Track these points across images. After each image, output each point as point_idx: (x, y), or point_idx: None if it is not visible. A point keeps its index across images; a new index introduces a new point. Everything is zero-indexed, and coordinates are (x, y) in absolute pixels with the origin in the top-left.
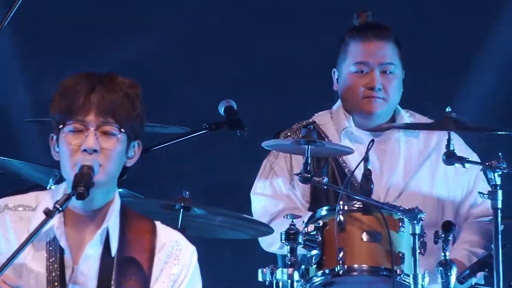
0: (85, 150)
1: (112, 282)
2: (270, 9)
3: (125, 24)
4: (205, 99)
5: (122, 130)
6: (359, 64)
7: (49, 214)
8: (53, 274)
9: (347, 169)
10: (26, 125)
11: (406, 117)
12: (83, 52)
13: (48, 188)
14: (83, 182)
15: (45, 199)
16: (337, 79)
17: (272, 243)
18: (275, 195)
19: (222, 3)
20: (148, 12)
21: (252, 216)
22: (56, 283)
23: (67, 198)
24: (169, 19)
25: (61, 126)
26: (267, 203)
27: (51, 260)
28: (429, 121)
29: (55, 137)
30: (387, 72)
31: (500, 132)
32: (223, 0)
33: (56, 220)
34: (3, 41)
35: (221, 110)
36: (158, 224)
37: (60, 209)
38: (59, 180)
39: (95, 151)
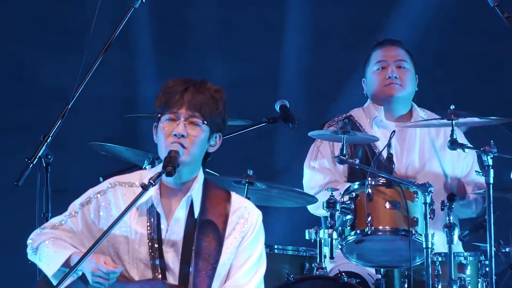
0: (175, 135)
1: (195, 238)
2: (316, 32)
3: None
4: (264, 99)
5: (205, 122)
6: (379, 62)
7: (144, 187)
8: (153, 233)
9: (376, 150)
10: (128, 118)
11: (421, 112)
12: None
13: (143, 167)
14: (171, 163)
15: (147, 177)
16: (365, 84)
17: (317, 208)
18: (321, 169)
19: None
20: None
21: (300, 188)
22: (154, 240)
23: (159, 175)
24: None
25: (160, 115)
26: (315, 175)
27: (150, 222)
28: (436, 116)
29: (156, 125)
30: (401, 67)
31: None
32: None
33: (154, 192)
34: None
35: (277, 107)
36: (232, 193)
37: (153, 183)
38: (152, 161)
39: (182, 136)
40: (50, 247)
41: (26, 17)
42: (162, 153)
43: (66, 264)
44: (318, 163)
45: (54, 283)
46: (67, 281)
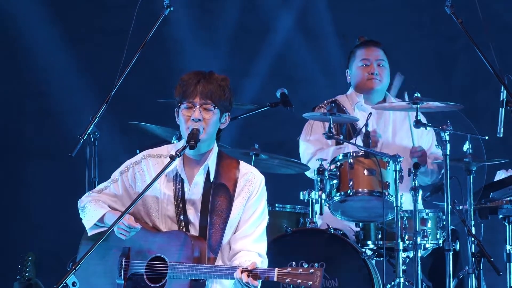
0: (193, 120)
1: (210, 198)
2: (310, 34)
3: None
4: (267, 88)
5: (215, 107)
6: (364, 60)
7: (172, 158)
8: (177, 194)
9: (357, 128)
10: (159, 103)
11: (393, 99)
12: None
13: (171, 142)
14: (193, 139)
15: (173, 150)
16: (349, 75)
17: (310, 173)
18: (313, 141)
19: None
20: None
21: (296, 159)
22: (179, 200)
23: (183, 148)
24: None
25: (179, 104)
26: (308, 145)
27: (176, 186)
28: (403, 102)
29: (177, 111)
30: (380, 65)
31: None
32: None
33: (178, 162)
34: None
35: (278, 94)
36: (241, 162)
37: (179, 155)
38: (179, 137)
39: (199, 120)
40: (91, 206)
41: (84, 21)
42: (184, 133)
43: (101, 220)
44: (311, 136)
45: (89, 233)
46: (100, 229)
